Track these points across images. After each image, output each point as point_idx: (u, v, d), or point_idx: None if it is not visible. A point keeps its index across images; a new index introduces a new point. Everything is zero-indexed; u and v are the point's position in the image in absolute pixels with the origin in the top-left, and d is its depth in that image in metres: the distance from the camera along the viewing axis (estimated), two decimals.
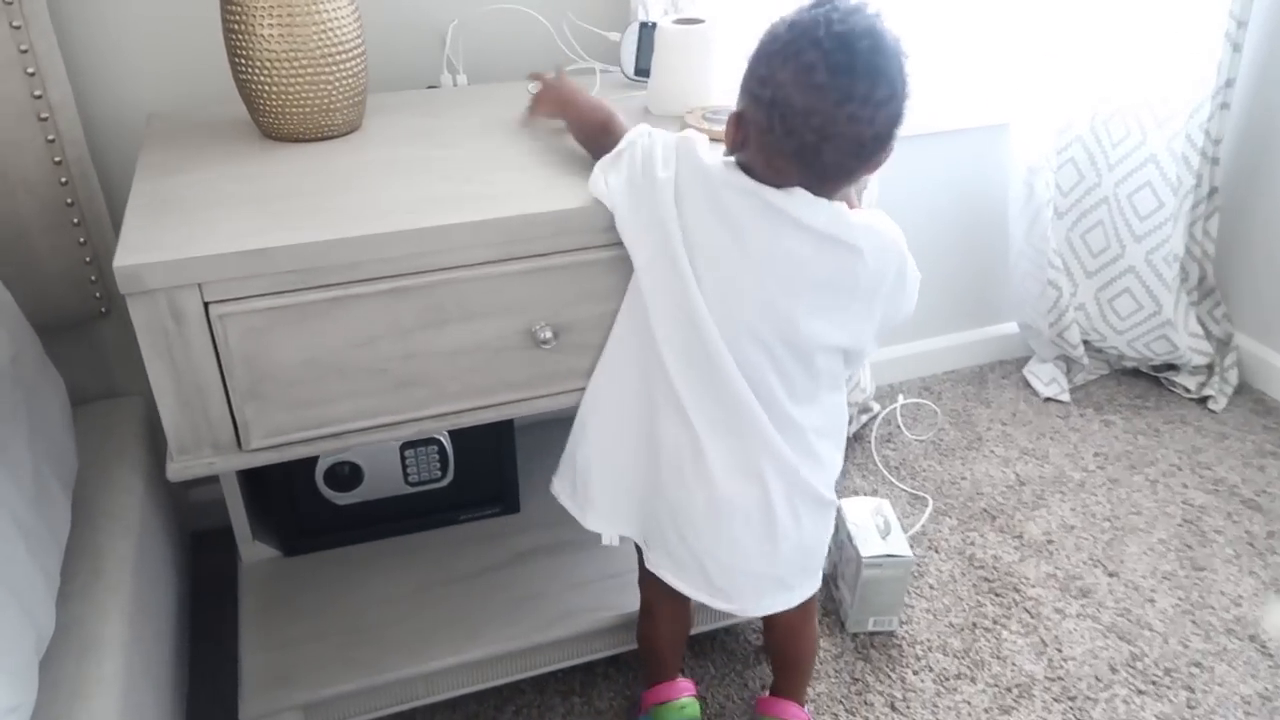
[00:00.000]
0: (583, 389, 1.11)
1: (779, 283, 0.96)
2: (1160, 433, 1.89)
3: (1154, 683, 1.37)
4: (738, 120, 0.95)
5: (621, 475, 1.09)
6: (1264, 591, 1.52)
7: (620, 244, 1.05)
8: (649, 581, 1.16)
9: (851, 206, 1.00)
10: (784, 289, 0.96)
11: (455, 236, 0.99)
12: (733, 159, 0.98)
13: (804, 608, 1.15)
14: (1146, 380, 2.05)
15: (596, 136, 1.10)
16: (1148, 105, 1.82)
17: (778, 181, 0.94)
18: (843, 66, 0.86)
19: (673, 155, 0.99)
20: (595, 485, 1.10)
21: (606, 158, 1.03)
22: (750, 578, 1.07)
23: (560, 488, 1.15)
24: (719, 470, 1.01)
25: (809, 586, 1.13)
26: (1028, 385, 2.03)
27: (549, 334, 1.05)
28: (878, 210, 1.04)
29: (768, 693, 1.29)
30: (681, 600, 1.18)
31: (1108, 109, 1.85)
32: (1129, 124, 1.85)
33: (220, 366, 0.97)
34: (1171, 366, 2.05)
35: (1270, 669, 1.39)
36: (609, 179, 1.02)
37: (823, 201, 0.95)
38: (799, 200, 0.94)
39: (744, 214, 0.95)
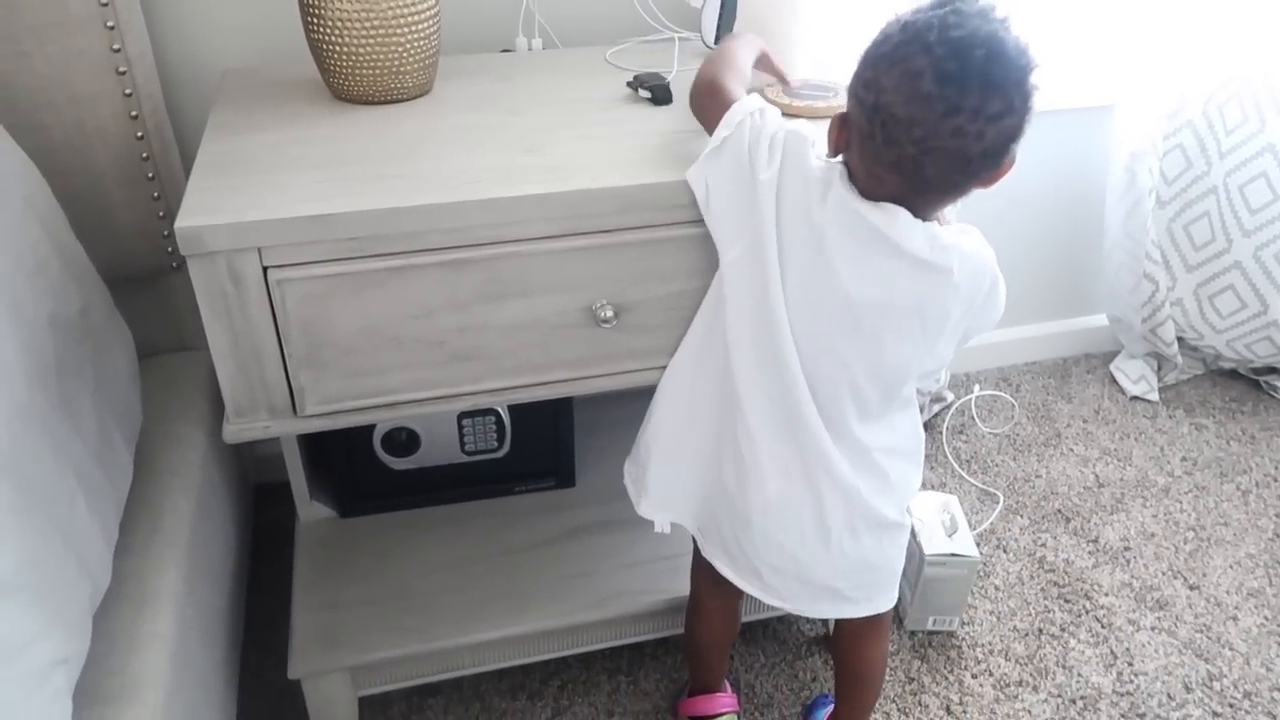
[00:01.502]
0: (641, 370, 1.09)
1: (868, 306, 0.90)
2: (1256, 440, 1.78)
3: (1231, 705, 1.29)
4: (842, 121, 0.89)
5: (681, 465, 1.06)
6: None
7: (687, 223, 1.01)
8: (701, 573, 1.13)
9: (941, 222, 0.94)
10: (873, 312, 0.91)
11: (518, 210, 0.96)
12: (838, 162, 0.91)
13: (872, 622, 1.10)
14: (1244, 383, 1.94)
15: (701, 94, 1.03)
16: (1270, 90, 1.69)
17: (878, 191, 0.88)
18: (952, 75, 0.78)
19: (778, 153, 0.91)
20: (653, 472, 1.08)
21: (709, 150, 0.96)
22: (803, 584, 1.03)
23: (628, 470, 1.13)
24: (772, 474, 0.98)
25: (876, 602, 1.07)
26: (1114, 382, 1.93)
27: (610, 313, 1.02)
28: (969, 228, 0.97)
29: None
30: (732, 597, 1.15)
31: (1224, 93, 1.73)
32: (1246, 109, 1.72)
33: (278, 331, 0.96)
34: (1274, 370, 1.93)
35: None
36: (709, 177, 0.96)
37: (919, 224, 0.88)
38: (897, 222, 0.87)
39: (840, 230, 0.89)
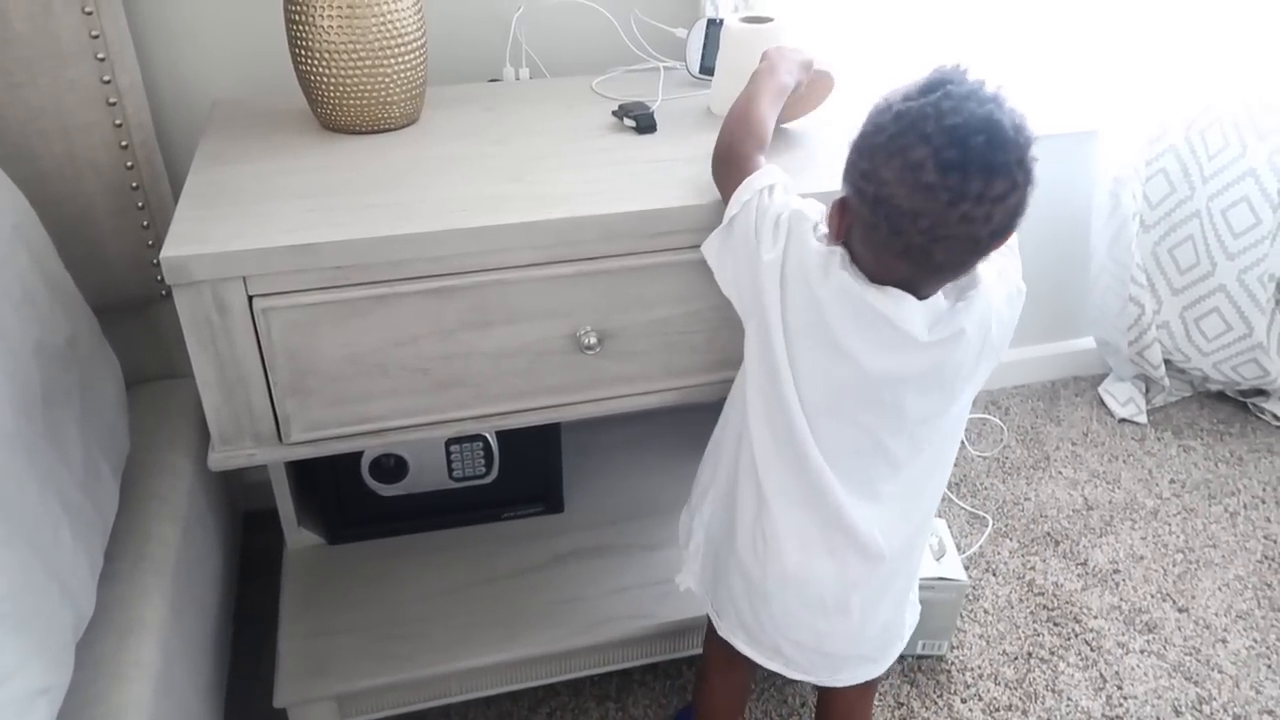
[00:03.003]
0: (626, 396, 1.09)
1: (884, 379, 0.89)
2: (1244, 461, 1.79)
3: None
4: (842, 208, 0.85)
5: (705, 527, 1.06)
6: None
7: (669, 250, 1.03)
8: (714, 650, 1.11)
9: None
10: (890, 384, 0.89)
11: (502, 238, 0.97)
12: (839, 248, 0.88)
13: (863, 685, 1.07)
14: (1232, 405, 1.94)
15: (718, 161, 1.01)
16: (1250, 115, 1.71)
17: (886, 276, 0.85)
18: (954, 164, 0.76)
19: (783, 235, 0.89)
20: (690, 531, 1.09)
21: (720, 228, 0.96)
22: (825, 656, 1.01)
23: (683, 520, 1.13)
24: (791, 547, 0.95)
25: (892, 654, 1.05)
26: (1102, 404, 1.94)
27: (594, 340, 1.03)
28: (1002, 255, 0.92)
29: None
30: (744, 671, 1.13)
31: (1206, 118, 1.75)
32: (1228, 134, 1.74)
33: (263, 360, 0.97)
34: (1261, 392, 1.93)
35: None
36: (720, 254, 0.96)
37: (923, 307, 0.85)
38: (902, 308, 0.85)
39: (843, 312, 0.87)
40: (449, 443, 1.33)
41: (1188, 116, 1.75)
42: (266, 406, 0.99)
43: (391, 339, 0.99)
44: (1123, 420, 1.90)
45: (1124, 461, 1.79)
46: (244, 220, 0.97)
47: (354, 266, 0.95)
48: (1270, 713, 1.31)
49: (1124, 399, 1.93)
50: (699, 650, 1.28)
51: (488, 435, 1.34)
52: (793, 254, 0.89)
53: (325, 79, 1.16)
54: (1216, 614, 1.46)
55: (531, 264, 0.99)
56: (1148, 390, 1.95)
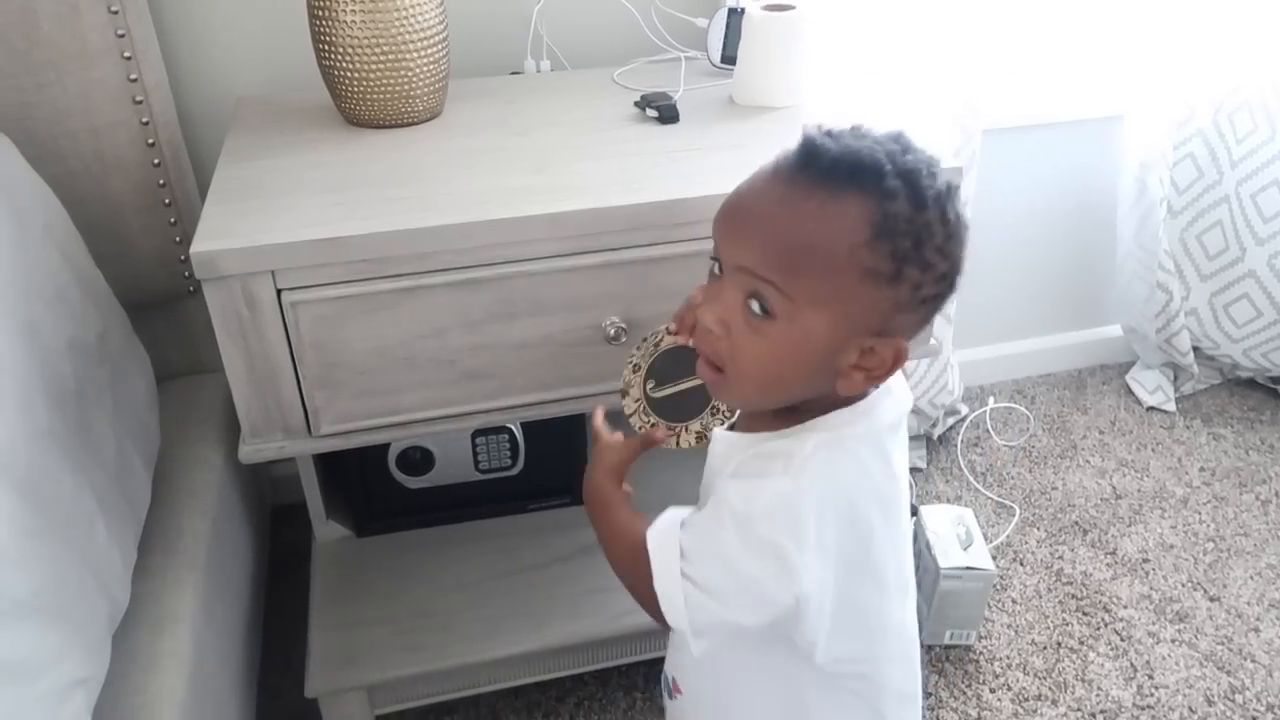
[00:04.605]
0: None
1: None
2: (1275, 449, 1.77)
3: (1254, 718, 1.28)
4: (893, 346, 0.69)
5: None
6: None
7: (693, 240, 1.02)
8: None
9: None
10: None
11: (527, 229, 0.98)
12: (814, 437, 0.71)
13: None
14: (1263, 392, 1.92)
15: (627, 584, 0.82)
16: (1279, 98, 1.69)
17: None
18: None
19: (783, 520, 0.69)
20: None
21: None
22: None
23: None
24: None
25: None
26: (1130, 393, 1.92)
27: (618, 330, 1.03)
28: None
29: None
30: None
31: (1234, 101, 1.72)
32: (1257, 117, 1.72)
33: (292, 353, 0.97)
34: None
35: None
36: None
37: None
38: None
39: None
40: (475, 435, 1.34)
41: (1216, 100, 1.73)
42: (296, 399, 1.00)
43: (418, 331, 0.99)
44: (1151, 408, 1.88)
45: (1152, 450, 1.77)
46: (271, 215, 0.98)
47: (380, 259, 0.95)
48: None
49: (1152, 387, 1.91)
50: None
51: (513, 427, 1.34)
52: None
53: (348, 74, 1.17)
54: (1249, 603, 1.45)
55: (556, 255, 1.00)
56: (1176, 378, 1.93)
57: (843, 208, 0.64)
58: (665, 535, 0.74)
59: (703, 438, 0.88)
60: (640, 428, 0.90)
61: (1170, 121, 1.73)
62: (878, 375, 0.69)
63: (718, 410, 0.90)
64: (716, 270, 0.72)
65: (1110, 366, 2.00)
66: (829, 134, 0.68)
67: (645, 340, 0.88)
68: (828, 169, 0.65)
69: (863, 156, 0.65)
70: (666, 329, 0.86)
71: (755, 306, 0.67)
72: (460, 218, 0.96)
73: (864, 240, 0.64)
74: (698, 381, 0.77)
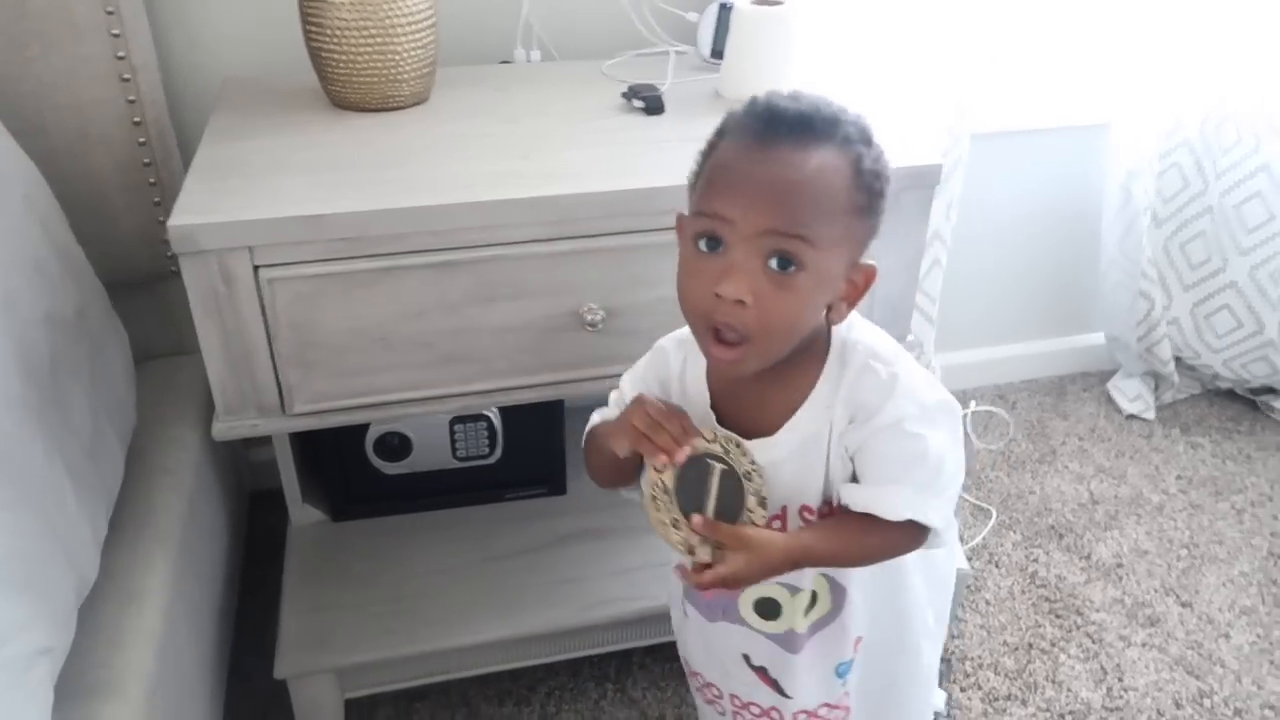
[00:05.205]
0: None
1: None
2: (1252, 459, 1.78)
3: None
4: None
5: None
6: None
7: (672, 228, 1.02)
8: None
9: None
10: None
11: (507, 213, 0.98)
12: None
13: None
14: (1242, 403, 1.93)
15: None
16: (1264, 110, 1.70)
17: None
18: None
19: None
20: None
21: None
22: None
23: None
24: None
25: None
26: (1110, 400, 1.93)
27: (597, 316, 1.03)
28: None
29: None
30: None
31: (1220, 113, 1.73)
32: (1241, 129, 1.73)
33: (268, 330, 0.97)
34: (1271, 390, 1.92)
35: None
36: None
37: None
38: None
39: None
40: (453, 422, 1.34)
41: (1202, 111, 1.74)
42: (270, 377, 1.00)
43: (396, 312, 1.00)
44: (1130, 416, 1.89)
45: (1130, 457, 1.78)
46: (251, 192, 0.98)
47: (359, 239, 0.96)
48: (1272, 707, 1.31)
49: (1133, 395, 1.92)
50: None
51: (491, 415, 1.35)
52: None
53: (336, 55, 1.17)
54: (1220, 609, 1.46)
55: (536, 240, 1.00)
56: (1157, 387, 1.94)
57: (829, 156, 0.72)
58: (899, 502, 0.79)
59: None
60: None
61: (1157, 131, 1.74)
62: (854, 299, 0.79)
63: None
64: (704, 246, 0.75)
65: (1092, 374, 2.01)
66: (784, 97, 0.76)
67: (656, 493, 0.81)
68: (804, 126, 0.73)
69: (822, 112, 0.74)
70: (654, 467, 0.80)
71: (776, 264, 0.72)
72: (440, 199, 0.97)
73: (851, 182, 0.73)
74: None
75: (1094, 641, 1.40)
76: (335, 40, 1.16)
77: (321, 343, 0.99)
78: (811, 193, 0.72)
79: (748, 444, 0.81)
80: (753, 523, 0.80)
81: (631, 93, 1.24)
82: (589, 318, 1.03)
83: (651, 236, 1.03)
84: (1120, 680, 1.34)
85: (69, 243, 1.13)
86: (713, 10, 1.37)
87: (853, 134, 0.74)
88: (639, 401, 0.82)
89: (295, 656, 1.16)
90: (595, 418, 0.93)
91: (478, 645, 1.22)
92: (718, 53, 1.35)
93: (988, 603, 1.47)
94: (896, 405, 0.78)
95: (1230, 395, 1.95)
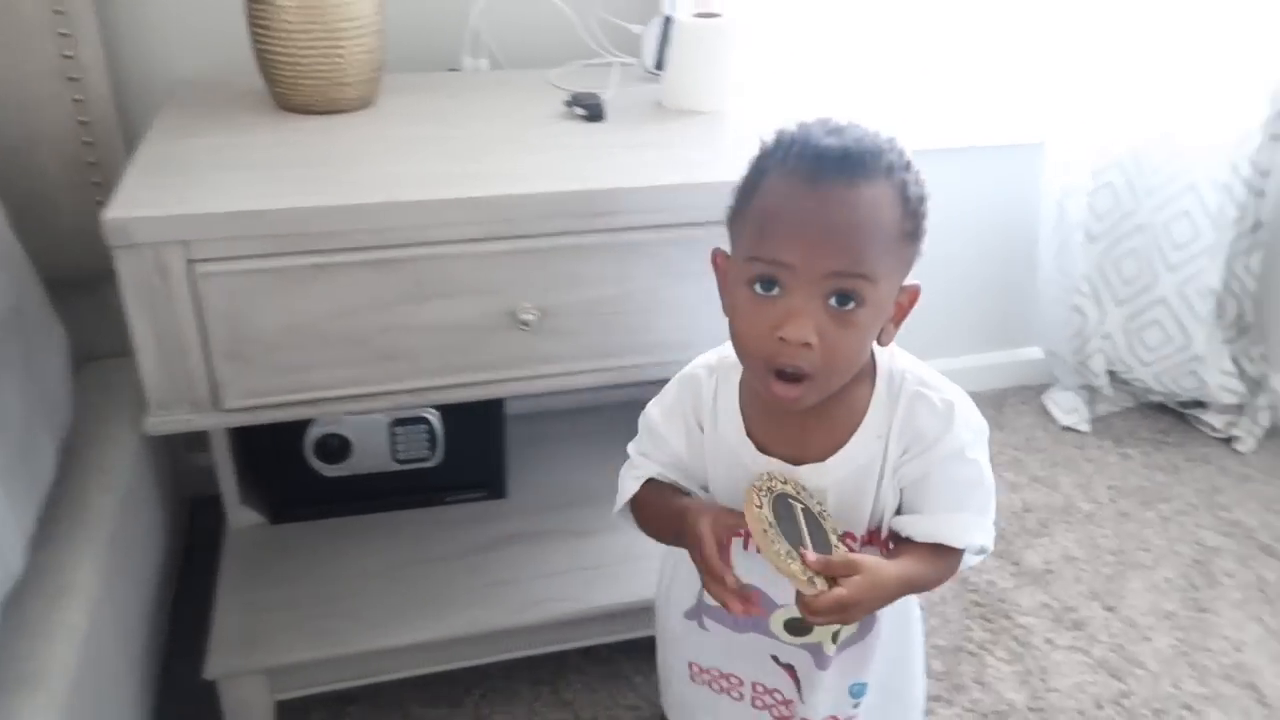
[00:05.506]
0: (564, 374, 1.11)
1: None
2: (1180, 470, 1.83)
3: None
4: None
5: None
6: (1269, 640, 1.46)
7: (608, 231, 1.05)
8: None
9: None
10: None
11: (442, 212, 1.00)
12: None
13: None
14: (1172, 416, 1.99)
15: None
16: (1192, 131, 1.76)
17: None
18: None
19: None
20: None
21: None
22: None
23: None
24: None
25: None
26: (1047, 413, 1.98)
27: (531, 316, 1.05)
28: None
29: None
30: None
31: (1151, 133, 1.80)
32: (1171, 150, 1.79)
33: (202, 325, 0.98)
34: (1200, 404, 1.98)
35: (1265, 718, 1.34)
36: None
37: None
38: None
39: None
40: (393, 424, 1.34)
41: (1134, 131, 1.80)
42: (203, 372, 1.00)
43: (330, 309, 1.01)
44: (1065, 428, 1.93)
45: (1064, 467, 1.83)
46: (189, 188, 0.99)
47: (293, 235, 0.97)
48: (1188, 707, 1.35)
49: (1068, 408, 1.97)
50: (632, 635, 1.30)
51: (431, 418, 1.36)
52: None
53: (282, 58, 1.19)
54: (1143, 613, 1.50)
55: (470, 239, 1.02)
56: (1091, 400, 2.00)
57: (878, 189, 0.74)
58: (967, 528, 0.84)
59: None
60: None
61: (1090, 151, 1.80)
62: (900, 320, 0.82)
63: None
64: (760, 289, 0.76)
65: (1030, 387, 2.06)
66: (821, 130, 0.75)
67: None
68: (851, 163, 0.73)
69: (864, 144, 0.74)
70: (754, 504, 0.78)
71: (835, 301, 0.74)
72: (376, 198, 0.98)
73: (900, 210, 0.75)
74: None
75: (1020, 644, 1.44)
76: (281, 42, 1.18)
77: (256, 338, 1.00)
78: (868, 229, 0.73)
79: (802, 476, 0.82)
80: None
81: (574, 100, 1.27)
82: (523, 317, 1.05)
83: (587, 238, 1.05)
84: (1044, 681, 1.38)
85: (8, 239, 1.12)
86: (657, 23, 1.40)
87: (896, 161, 0.75)
88: (701, 539, 0.78)
89: (225, 657, 1.16)
90: (632, 450, 0.93)
91: (410, 646, 1.22)
92: (661, 64, 1.38)
93: (920, 607, 1.49)
94: (956, 434, 0.82)
95: (1161, 408, 2.01)
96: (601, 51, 1.46)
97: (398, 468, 1.38)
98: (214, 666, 1.15)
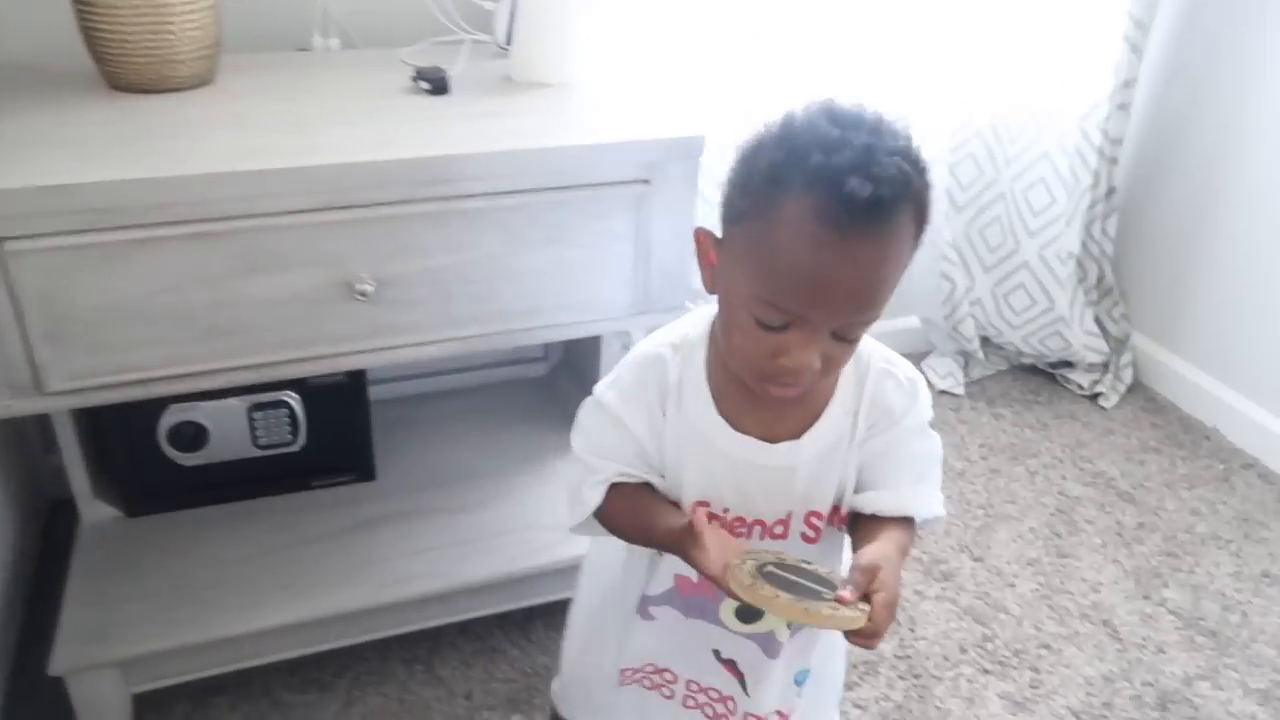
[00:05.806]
0: (406, 346, 1.10)
1: None
2: (1048, 427, 1.90)
3: (1001, 663, 1.37)
4: None
5: None
6: (1124, 579, 1.53)
7: (445, 199, 1.04)
8: None
9: None
10: None
11: (265, 183, 0.98)
12: None
13: None
14: (1042, 377, 2.06)
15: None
16: (1043, 102, 1.83)
17: None
18: None
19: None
20: None
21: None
22: None
23: None
24: None
25: None
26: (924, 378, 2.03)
27: (369, 287, 1.04)
28: None
29: None
30: None
31: (1006, 104, 1.86)
32: (1025, 120, 1.86)
33: (15, 306, 0.95)
34: (1067, 364, 2.06)
35: (1118, 652, 1.39)
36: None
37: None
38: None
39: None
40: (251, 409, 1.32)
41: (990, 102, 1.86)
42: (21, 354, 0.97)
43: (155, 285, 0.98)
44: (942, 392, 1.99)
45: (939, 429, 1.84)
46: (2, 166, 0.95)
47: (111, 209, 0.94)
48: (1047, 646, 1.40)
49: (944, 372, 2.03)
50: (502, 609, 1.30)
51: (291, 401, 1.33)
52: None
53: (107, 34, 1.15)
54: (1008, 562, 1.55)
55: (301, 210, 1.00)
56: (966, 365, 2.06)
57: (902, 224, 0.70)
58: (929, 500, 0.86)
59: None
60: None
61: (950, 123, 1.85)
62: None
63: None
64: (776, 322, 0.72)
65: (910, 355, 2.03)
66: (858, 171, 0.67)
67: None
68: (881, 209, 0.67)
69: (894, 178, 0.68)
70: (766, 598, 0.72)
71: (841, 329, 0.73)
72: (197, 169, 0.96)
73: (916, 229, 0.72)
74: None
75: None
76: (105, 19, 1.14)
77: (76, 318, 0.97)
78: (890, 275, 0.71)
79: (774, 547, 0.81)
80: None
81: (419, 75, 1.26)
82: (360, 288, 1.04)
83: (422, 206, 1.04)
84: (913, 631, 1.41)
85: None
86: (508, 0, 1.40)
87: (915, 181, 0.70)
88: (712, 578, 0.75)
89: (71, 651, 1.12)
90: (581, 448, 0.85)
91: (274, 629, 1.20)
92: (511, 39, 1.38)
93: None
94: (920, 409, 0.84)
95: (1033, 370, 2.08)
96: (455, 29, 1.45)
97: (259, 454, 1.35)
98: (59, 661, 1.11)
